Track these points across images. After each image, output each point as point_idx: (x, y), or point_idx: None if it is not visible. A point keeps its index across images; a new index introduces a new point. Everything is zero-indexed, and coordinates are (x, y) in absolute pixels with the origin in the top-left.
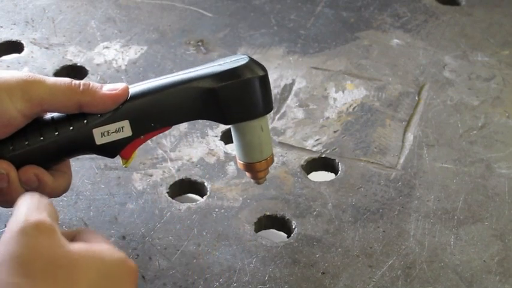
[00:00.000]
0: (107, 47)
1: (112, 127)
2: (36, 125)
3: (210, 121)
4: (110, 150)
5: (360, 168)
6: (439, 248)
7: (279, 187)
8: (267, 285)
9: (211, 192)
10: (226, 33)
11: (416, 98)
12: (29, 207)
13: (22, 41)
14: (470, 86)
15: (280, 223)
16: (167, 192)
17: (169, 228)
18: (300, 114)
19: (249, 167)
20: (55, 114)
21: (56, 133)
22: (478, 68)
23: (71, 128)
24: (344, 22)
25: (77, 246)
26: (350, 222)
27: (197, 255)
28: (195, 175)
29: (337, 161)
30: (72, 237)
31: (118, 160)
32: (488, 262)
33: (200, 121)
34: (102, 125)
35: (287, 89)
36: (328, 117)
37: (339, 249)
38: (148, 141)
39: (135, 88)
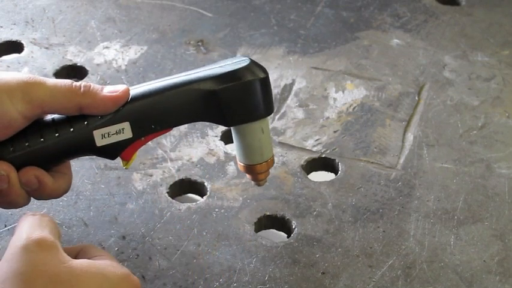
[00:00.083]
0: (107, 47)
1: (112, 129)
2: (36, 126)
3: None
4: (111, 151)
5: (360, 168)
6: (439, 248)
7: (279, 187)
8: (267, 285)
9: (211, 192)
10: (226, 33)
11: (416, 98)
12: (30, 225)
13: (22, 41)
14: (470, 86)
15: (280, 223)
16: (167, 192)
17: (169, 228)
18: (300, 114)
19: (250, 168)
20: (55, 116)
21: (57, 134)
22: (478, 68)
23: (72, 129)
24: (344, 22)
25: (79, 262)
26: (350, 222)
27: (197, 255)
28: (195, 175)
29: (337, 161)
30: (76, 253)
31: (118, 160)
32: (488, 262)
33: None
34: (102, 127)
35: (287, 89)
36: (328, 117)
37: (339, 249)
38: (149, 142)
39: (135, 90)
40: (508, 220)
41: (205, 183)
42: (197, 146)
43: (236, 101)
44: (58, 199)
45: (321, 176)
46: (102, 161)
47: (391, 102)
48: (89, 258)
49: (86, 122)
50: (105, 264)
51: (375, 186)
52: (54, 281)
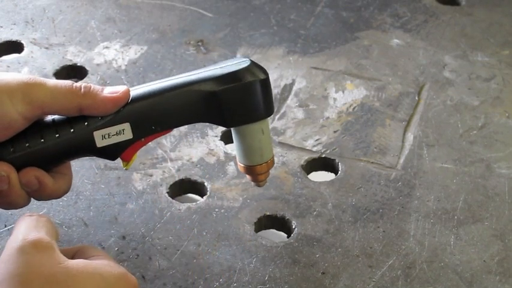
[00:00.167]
0: (107, 47)
1: (113, 130)
2: (36, 127)
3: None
4: (111, 152)
5: (360, 168)
6: (439, 248)
7: (279, 187)
8: (267, 285)
9: (211, 192)
10: (226, 33)
11: (416, 98)
12: (27, 226)
13: (22, 41)
14: (470, 86)
15: (280, 223)
16: (167, 192)
17: (169, 228)
18: (300, 114)
19: (250, 169)
20: (56, 117)
21: (57, 135)
22: (478, 68)
23: (72, 130)
24: (344, 22)
25: (75, 262)
26: (350, 222)
27: (197, 255)
28: (195, 175)
29: (337, 161)
30: (74, 254)
31: (118, 160)
32: (488, 262)
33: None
34: (102, 128)
35: (287, 89)
36: (328, 117)
37: (339, 249)
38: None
39: (136, 91)
40: (508, 220)
41: (205, 183)
42: (197, 146)
43: (236, 102)
44: (58, 199)
45: (321, 176)
46: (102, 161)
47: (391, 102)
48: (86, 259)
49: (86, 123)
50: (102, 264)
51: (375, 186)
52: (50, 282)
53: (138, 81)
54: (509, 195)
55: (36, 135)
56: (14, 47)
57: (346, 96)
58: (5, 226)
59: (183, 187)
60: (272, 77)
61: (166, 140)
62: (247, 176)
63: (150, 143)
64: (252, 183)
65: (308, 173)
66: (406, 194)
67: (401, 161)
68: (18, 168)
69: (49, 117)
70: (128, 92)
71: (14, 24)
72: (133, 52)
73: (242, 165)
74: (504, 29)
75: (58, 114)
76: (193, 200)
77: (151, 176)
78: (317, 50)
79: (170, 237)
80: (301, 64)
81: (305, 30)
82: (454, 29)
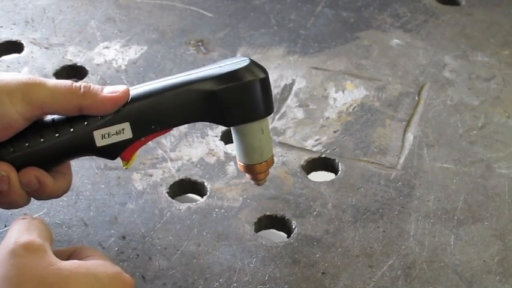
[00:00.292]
0: (107, 47)
1: (112, 129)
2: (36, 127)
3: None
4: (111, 152)
5: (360, 168)
6: (439, 248)
7: (279, 187)
8: (267, 285)
9: (211, 192)
10: (226, 33)
11: (416, 98)
12: (19, 229)
13: (22, 41)
14: (470, 86)
15: (280, 223)
16: (167, 192)
17: (169, 228)
18: (300, 114)
19: (249, 168)
20: (55, 116)
21: (57, 135)
22: (478, 68)
23: (72, 130)
24: (344, 22)
25: (68, 264)
26: (350, 222)
27: (197, 255)
28: (195, 175)
29: (337, 161)
30: (69, 255)
31: (118, 160)
32: (488, 262)
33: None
34: (102, 127)
35: (287, 89)
36: (328, 117)
37: (339, 249)
38: (149, 142)
39: (135, 90)
40: (508, 220)
41: (205, 183)
42: (197, 146)
43: (236, 101)
44: (58, 199)
45: (321, 176)
46: (102, 161)
47: (391, 102)
48: (81, 259)
49: (86, 123)
50: (96, 264)
51: (375, 186)
52: (42, 284)
53: (138, 81)
54: (509, 195)
55: (36, 135)
56: (14, 47)
57: (346, 96)
58: (5, 226)
59: (183, 187)
60: (272, 77)
61: (166, 140)
62: (247, 175)
63: (150, 143)
64: (252, 182)
65: (308, 173)
66: (406, 194)
67: (401, 161)
68: (18, 168)
69: (49, 117)
70: (127, 92)
71: (14, 24)
72: (134, 52)
73: (242, 164)
74: (504, 29)
75: (58, 114)
76: (193, 200)
77: (151, 176)
78: (317, 50)
79: (170, 237)
80: (301, 64)
81: (305, 30)
82: (454, 29)
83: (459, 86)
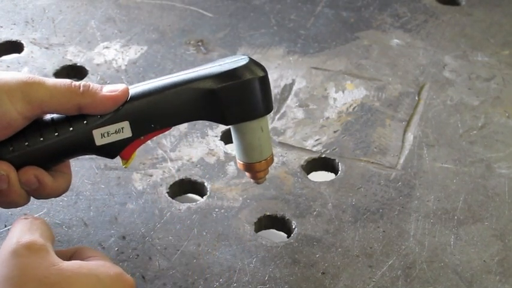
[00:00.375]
0: (107, 47)
1: (112, 128)
2: (36, 126)
3: (210, 121)
4: (110, 151)
5: (360, 168)
6: (439, 248)
7: (279, 187)
8: (267, 285)
9: (211, 192)
10: (226, 33)
11: (416, 98)
12: (21, 229)
13: (22, 41)
14: (470, 86)
15: (280, 223)
16: (167, 192)
17: (169, 228)
18: (300, 114)
19: (249, 167)
20: (55, 115)
21: (56, 134)
22: (478, 68)
23: (71, 129)
24: (344, 22)
25: (69, 264)
26: (350, 222)
27: (197, 255)
28: (195, 175)
29: (337, 161)
30: (71, 255)
31: (118, 160)
32: (488, 262)
33: (200, 121)
34: (102, 126)
35: (287, 89)
36: (328, 117)
37: (339, 249)
38: (148, 141)
39: (135, 89)
40: (508, 220)
41: (205, 183)
42: (197, 146)
43: (235, 100)
44: (58, 199)
45: (321, 176)
46: (102, 161)
47: (391, 102)
48: (82, 260)
49: (85, 122)
50: (97, 265)
51: (375, 186)
52: (44, 284)
53: (138, 81)
54: (509, 195)
55: (35, 134)
56: (14, 47)
57: (346, 96)
58: (5, 226)
59: (183, 187)
60: (272, 77)
61: (166, 140)
62: (247, 174)
63: (149, 142)
64: (252, 181)
65: (308, 173)
66: (406, 194)
67: (401, 161)
68: (18, 167)
69: (48, 116)
70: (126, 91)
71: (14, 24)
72: (134, 52)
73: (241, 162)
74: (504, 29)
75: (57, 113)
76: (193, 200)
77: (151, 176)
78: (317, 50)
79: (170, 237)
80: (301, 64)
81: (305, 30)
82: (454, 29)
83: (459, 86)
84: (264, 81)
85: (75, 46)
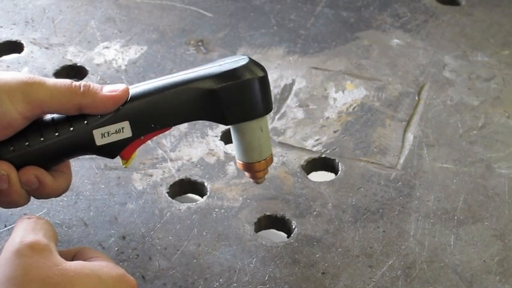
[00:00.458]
0: (107, 47)
1: (112, 128)
2: (36, 126)
3: (209, 121)
4: (110, 150)
5: (360, 168)
6: (439, 248)
7: (279, 187)
8: (267, 285)
9: (211, 192)
10: (226, 33)
11: (416, 98)
12: (25, 229)
13: (22, 41)
14: (470, 86)
15: (280, 223)
16: (167, 192)
17: (169, 228)
18: (300, 114)
19: (248, 167)
20: (55, 115)
21: (56, 134)
22: (478, 68)
23: (71, 128)
24: (344, 22)
25: (72, 264)
26: (350, 222)
27: (197, 255)
28: (195, 175)
29: (337, 161)
30: (73, 256)
31: (118, 160)
32: (488, 262)
33: (200, 121)
34: (102, 126)
35: (287, 89)
36: (328, 117)
37: (339, 249)
38: (148, 141)
39: (135, 89)
40: (508, 220)
41: (205, 183)
42: (197, 146)
43: (235, 100)
44: (58, 199)
45: (321, 176)
46: (102, 161)
47: (391, 102)
48: (84, 260)
49: (85, 122)
50: (100, 266)
51: (375, 186)
52: (47, 284)
53: (138, 81)
54: (509, 195)
55: (35, 134)
56: (14, 47)
57: (346, 96)
58: (5, 226)
59: (183, 187)
60: (272, 77)
61: (166, 140)
62: (246, 174)
63: (150, 142)
64: (251, 181)
65: (308, 173)
66: (406, 194)
67: (401, 161)
68: (18, 167)
69: (48, 116)
70: (127, 91)
71: (14, 24)
72: (134, 52)
73: (241, 162)
74: (504, 29)
75: (57, 113)
76: (193, 200)
77: (151, 176)
78: (317, 50)
79: (170, 237)
80: (301, 64)
81: (305, 30)
82: (454, 29)
83: (459, 86)
84: (264, 81)
85: (75, 46)
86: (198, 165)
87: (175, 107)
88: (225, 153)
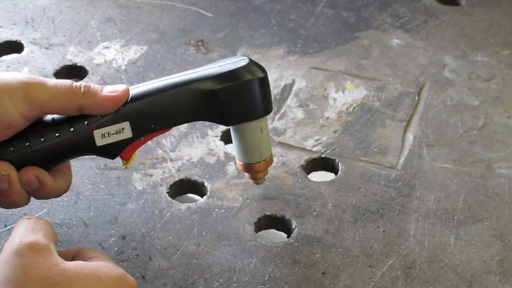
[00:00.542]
0: (107, 47)
1: (112, 128)
2: (37, 126)
3: (209, 122)
4: (110, 151)
5: (360, 168)
6: (439, 248)
7: (279, 187)
8: (267, 285)
9: (211, 192)
10: (226, 33)
11: (416, 98)
12: (24, 229)
13: (22, 41)
14: (470, 86)
15: (280, 223)
16: (167, 192)
17: (169, 228)
18: (300, 114)
19: (248, 167)
20: (56, 116)
21: (57, 134)
22: (478, 68)
23: (72, 129)
24: (344, 22)
25: (72, 264)
26: (350, 222)
27: (197, 255)
28: (195, 175)
29: (337, 161)
30: (73, 256)
31: (118, 160)
32: (488, 262)
33: (200, 121)
34: (102, 127)
35: (287, 89)
36: (328, 117)
37: (339, 249)
38: (148, 142)
39: (135, 89)
40: (508, 220)
41: (205, 183)
42: (197, 146)
43: (235, 101)
44: (58, 199)
45: (321, 176)
46: (102, 161)
47: (391, 102)
48: (84, 260)
49: (86, 122)
50: (99, 266)
51: (375, 186)
52: (46, 284)
53: (138, 81)
54: (509, 195)
55: (36, 135)
56: (14, 47)
57: (346, 96)
58: (5, 226)
59: (183, 187)
60: (272, 77)
61: (166, 140)
62: (246, 174)
63: (150, 142)
64: (251, 181)
65: (308, 173)
66: (406, 194)
67: (401, 161)
68: (19, 168)
69: (49, 117)
70: (127, 91)
71: (14, 24)
72: (134, 52)
73: (241, 163)
74: (504, 29)
75: (58, 114)
76: (193, 200)
77: (151, 176)
78: (317, 50)
79: (170, 237)
80: (301, 64)
81: (305, 30)
82: (454, 29)
83: (459, 86)
84: (264, 82)
85: (75, 46)
86: (198, 165)
87: (175, 107)
88: (225, 153)
